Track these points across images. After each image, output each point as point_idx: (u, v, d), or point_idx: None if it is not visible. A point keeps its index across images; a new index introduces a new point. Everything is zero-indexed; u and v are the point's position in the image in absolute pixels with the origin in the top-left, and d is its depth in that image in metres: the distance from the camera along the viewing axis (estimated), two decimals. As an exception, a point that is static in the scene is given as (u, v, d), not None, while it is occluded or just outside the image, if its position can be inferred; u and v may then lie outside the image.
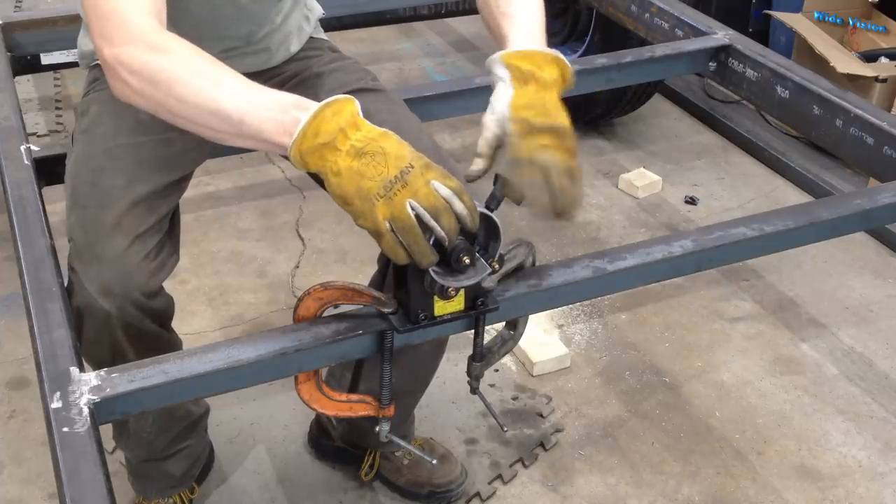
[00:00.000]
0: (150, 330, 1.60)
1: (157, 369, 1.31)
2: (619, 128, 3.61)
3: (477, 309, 1.39)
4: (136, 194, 1.59)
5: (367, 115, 1.73)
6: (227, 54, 1.72)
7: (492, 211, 1.38)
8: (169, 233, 1.66)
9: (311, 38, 1.87)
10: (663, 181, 3.26)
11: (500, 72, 1.37)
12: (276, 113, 1.22)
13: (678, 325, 2.62)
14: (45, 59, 2.69)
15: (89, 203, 1.58)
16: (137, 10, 1.30)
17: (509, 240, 1.50)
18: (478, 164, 1.37)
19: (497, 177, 1.43)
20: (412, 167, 1.19)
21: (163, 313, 1.64)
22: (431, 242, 1.23)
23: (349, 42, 3.88)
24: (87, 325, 1.55)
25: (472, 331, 1.45)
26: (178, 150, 1.67)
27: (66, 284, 1.55)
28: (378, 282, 1.77)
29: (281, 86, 1.80)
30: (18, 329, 2.46)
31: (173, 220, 1.69)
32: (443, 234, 1.21)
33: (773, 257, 2.69)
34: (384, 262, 1.67)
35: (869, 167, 2.15)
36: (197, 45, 1.61)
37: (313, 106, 1.22)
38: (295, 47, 1.83)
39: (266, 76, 1.79)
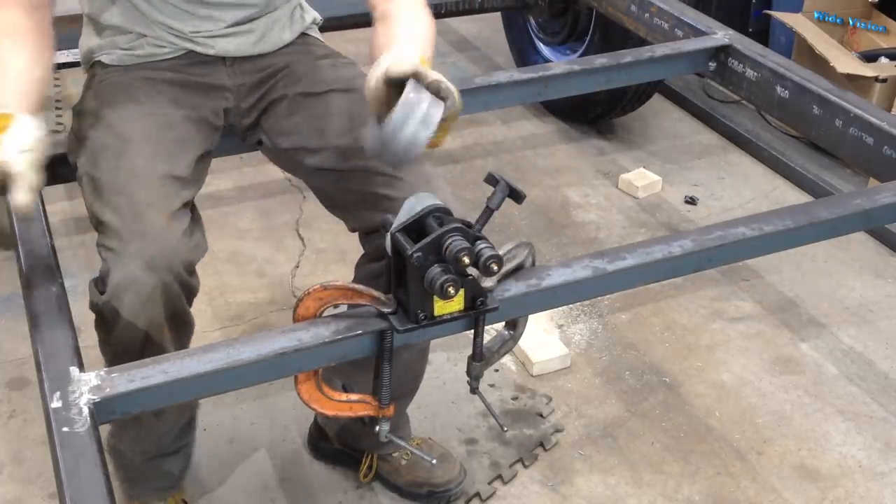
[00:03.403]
0: (184, 308, 1.63)
1: (157, 369, 1.32)
2: (619, 128, 3.61)
3: (476, 309, 1.39)
4: (159, 172, 1.61)
5: (352, 116, 1.74)
6: (213, 32, 1.75)
7: (494, 209, 1.39)
8: (195, 221, 1.68)
9: (304, 34, 1.89)
10: (663, 181, 3.26)
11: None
12: None
13: (678, 325, 2.62)
14: (45, 58, 2.69)
15: (117, 187, 1.59)
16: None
17: (509, 240, 1.51)
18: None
19: (491, 174, 1.43)
20: None
21: (194, 291, 1.67)
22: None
23: (349, 42, 3.86)
24: (127, 302, 1.53)
25: (472, 331, 1.45)
26: (180, 134, 1.71)
27: (100, 269, 1.56)
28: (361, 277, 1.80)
29: (272, 77, 1.82)
30: (18, 329, 2.46)
31: (194, 212, 1.71)
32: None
33: (773, 257, 2.69)
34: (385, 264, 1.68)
35: (869, 167, 2.15)
36: (182, 20, 1.73)
37: None
38: (287, 36, 1.84)
39: (257, 65, 1.81)
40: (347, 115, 1.75)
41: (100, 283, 1.56)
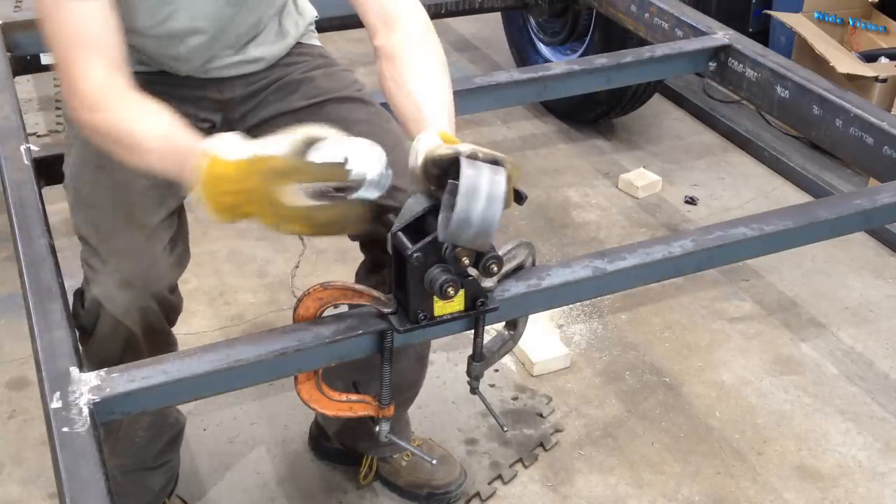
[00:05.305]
0: (163, 326, 1.61)
1: (157, 369, 1.32)
2: (619, 128, 3.61)
3: (476, 309, 1.39)
4: (140, 185, 1.59)
5: (346, 124, 1.66)
6: (205, 66, 1.68)
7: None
8: (179, 230, 1.66)
9: (299, 43, 1.81)
10: (663, 181, 3.26)
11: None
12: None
13: (678, 325, 2.62)
14: (45, 59, 2.68)
15: (96, 201, 1.59)
16: (88, 71, 1.39)
17: (509, 240, 1.50)
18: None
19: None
20: None
21: (176, 310, 1.65)
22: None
23: (349, 42, 3.88)
24: (104, 319, 1.54)
25: (472, 331, 1.45)
26: None
27: (82, 280, 1.55)
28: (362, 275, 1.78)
29: (263, 90, 1.75)
30: (18, 329, 2.46)
31: (181, 218, 1.69)
32: None
33: (773, 257, 2.69)
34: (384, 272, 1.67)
35: (869, 167, 2.15)
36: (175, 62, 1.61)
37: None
38: (276, 51, 1.76)
39: (248, 81, 1.75)
40: (344, 125, 1.64)
41: (80, 296, 1.56)
